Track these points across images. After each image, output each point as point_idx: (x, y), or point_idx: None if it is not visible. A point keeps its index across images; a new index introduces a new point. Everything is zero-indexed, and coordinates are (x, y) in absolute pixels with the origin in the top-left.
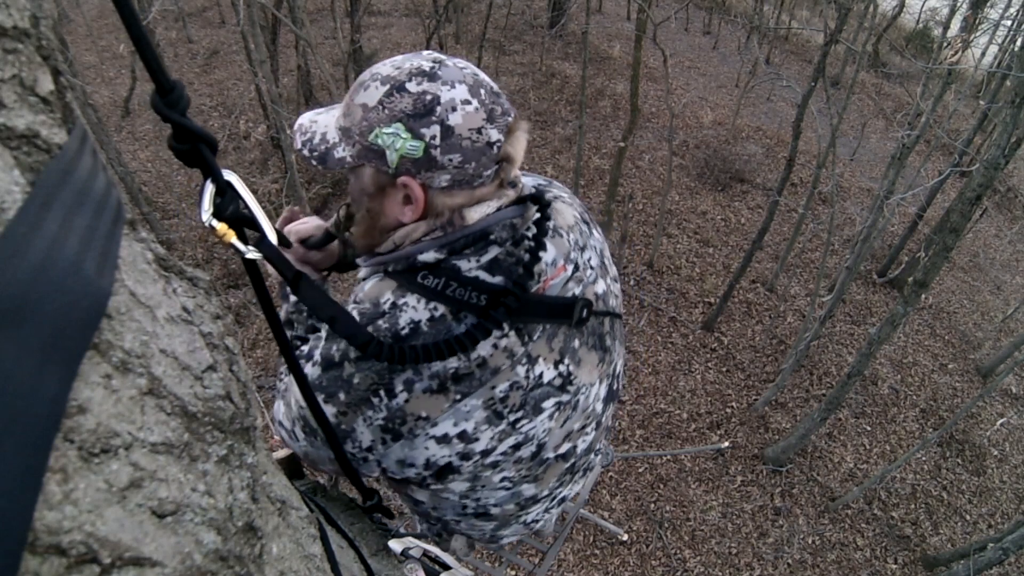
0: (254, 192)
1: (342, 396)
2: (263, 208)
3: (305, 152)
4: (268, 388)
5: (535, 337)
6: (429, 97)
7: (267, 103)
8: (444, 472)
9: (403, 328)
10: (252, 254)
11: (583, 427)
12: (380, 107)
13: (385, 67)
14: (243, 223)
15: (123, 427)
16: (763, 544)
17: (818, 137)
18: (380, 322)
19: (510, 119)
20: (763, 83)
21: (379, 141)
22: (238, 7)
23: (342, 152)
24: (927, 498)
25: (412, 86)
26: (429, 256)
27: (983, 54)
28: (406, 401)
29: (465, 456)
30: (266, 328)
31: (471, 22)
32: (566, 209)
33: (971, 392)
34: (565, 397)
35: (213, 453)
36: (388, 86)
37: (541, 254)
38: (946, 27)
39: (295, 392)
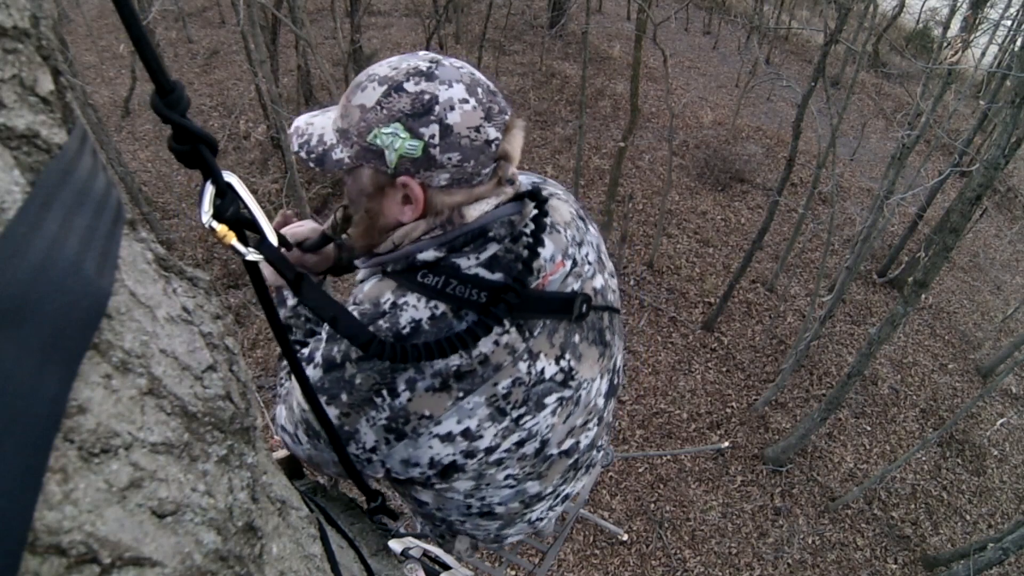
0: (254, 192)
1: (344, 397)
2: (263, 208)
3: (302, 154)
4: (268, 388)
5: (536, 333)
6: (427, 96)
7: (267, 103)
8: (449, 471)
9: (404, 327)
10: (252, 256)
11: (585, 423)
12: (378, 107)
13: (382, 68)
14: (243, 225)
15: (123, 427)
16: (763, 544)
17: (818, 137)
18: (381, 322)
19: (507, 117)
20: (763, 83)
21: (378, 141)
22: (238, 7)
23: (340, 153)
24: (927, 498)
25: (410, 86)
26: (429, 255)
27: (983, 54)
28: (409, 400)
29: (469, 454)
30: (266, 328)
31: (471, 22)
32: (562, 206)
33: (971, 392)
34: (567, 392)
35: (213, 453)
36: (386, 86)
37: (539, 250)
38: (946, 27)
39: (297, 396)
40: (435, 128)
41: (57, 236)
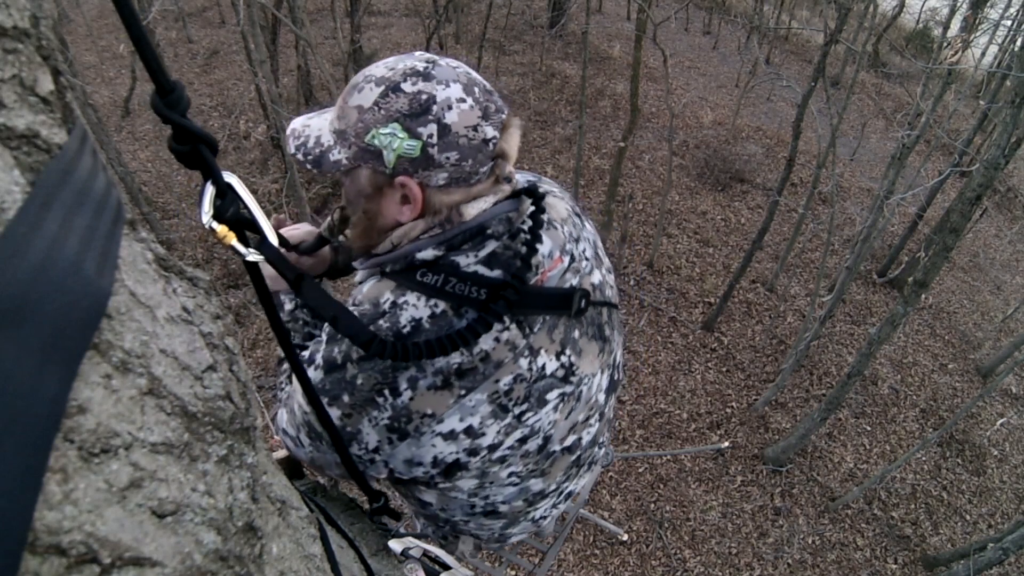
0: (254, 192)
1: (346, 398)
2: (263, 209)
3: (299, 156)
4: (268, 388)
5: (536, 329)
6: (425, 96)
7: (267, 103)
8: (452, 469)
9: (404, 326)
10: (252, 256)
11: (587, 418)
12: (376, 108)
13: (378, 69)
14: (243, 225)
15: (123, 427)
16: (763, 544)
17: (818, 137)
18: (381, 322)
19: (504, 116)
20: (763, 83)
21: (376, 142)
22: (238, 7)
23: (338, 154)
24: (927, 498)
25: (407, 86)
26: (428, 254)
27: (983, 54)
28: (411, 399)
29: (472, 452)
30: (266, 328)
31: (471, 22)
32: (558, 203)
33: (971, 392)
34: (568, 388)
35: (213, 453)
36: (383, 87)
37: (538, 246)
38: (946, 27)
39: (298, 398)
40: (433, 128)
41: (57, 236)
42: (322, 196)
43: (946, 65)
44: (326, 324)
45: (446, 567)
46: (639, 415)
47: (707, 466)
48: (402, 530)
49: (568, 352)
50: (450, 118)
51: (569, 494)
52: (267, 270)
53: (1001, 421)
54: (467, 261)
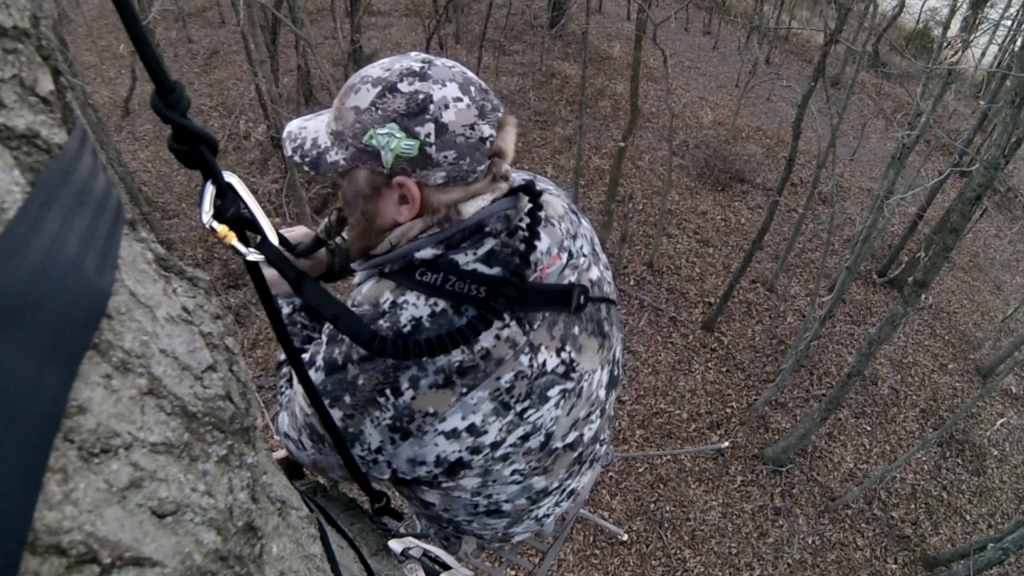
0: (254, 192)
1: (348, 399)
2: (263, 208)
3: (296, 158)
4: (268, 388)
5: (536, 326)
6: (422, 96)
7: (267, 103)
8: (455, 468)
9: (405, 326)
10: (253, 256)
11: (588, 415)
12: (373, 108)
13: (374, 70)
14: (244, 225)
15: (123, 427)
16: (763, 544)
17: (818, 137)
18: (381, 322)
19: (500, 114)
20: (763, 83)
21: (373, 142)
22: (238, 7)
23: (335, 156)
24: (927, 498)
25: (404, 86)
26: (427, 253)
27: (983, 54)
28: (412, 398)
29: (475, 450)
30: (266, 328)
31: (471, 22)
32: (555, 200)
33: (971, 392)
34: (569, 384)
35: (213, 453)
36: (380, 87)
37: (536, 243)
38: (946, 27)
39: (299, 401)
40: (430, 127)
41: (57, 236)
42: (322, 196)
43: (946, 65)
44: (326, 326)
45: (446, 567)
46: (639, 415)
47: (707, 466)
48: (402, 530)
49: (568, 348)
50: (447, 117)
51: (571, 492)
52: (267, 272)
53: (1001, 421)
54: (466, 259)
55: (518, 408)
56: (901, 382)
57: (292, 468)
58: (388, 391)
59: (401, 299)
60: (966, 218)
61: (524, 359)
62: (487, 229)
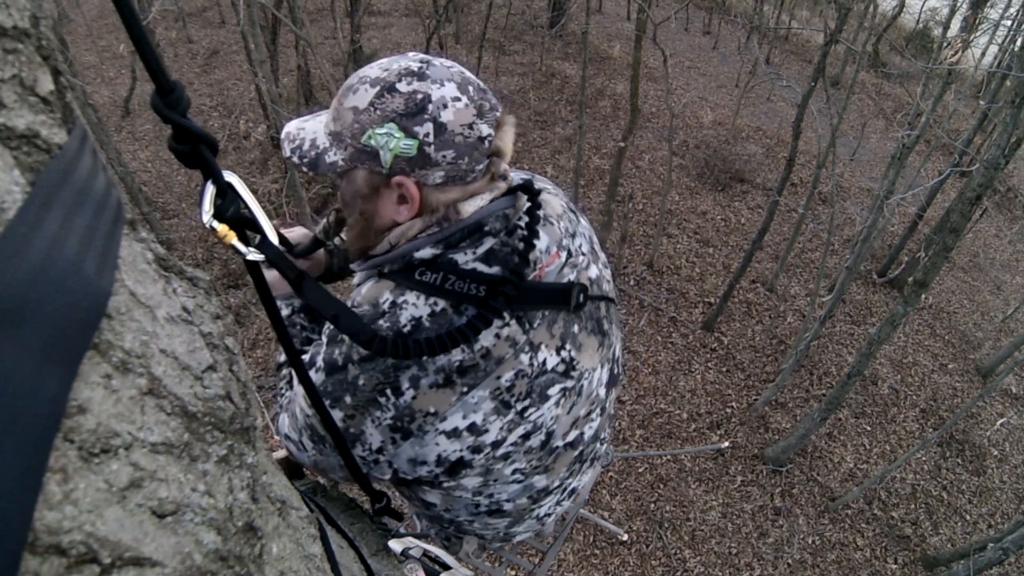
0: (254, 192)
1: (348, 399)
2: (263, 208)
3: (295, 159)
4: (268, 388)
5: (536, 324)
6: (420, 96)
7: (267, 103)
8: (456, 468)
9: (405, 326)
10: (253, 255)
11: (588, 413)
12: (371, 108)
13: (373, 70)
14: (244, 224)
15: (123, 427)
16: (763, 544)
17: (818, 137)
18: (381, 322)
19: (498, 114)
20: (763, 83)
21: (372, 142)
22: (238, 7)
23: (333, 156)
24: (927, 498)
25: (402, 86)
26: (426, 252)
27: (983, 54)
28: (413, 398)
29: (476, 449)
30: (266, 328)
31: (471, 22)
32: (553, 199)
33: (971, 392)
34: (569, 383)
35: (213, 453)
36: (378, 87)
37: (535, 242)
38: (946, 27)
39: (300, 402)
40: (429, 127)
41: (57, 236)
42: (322, 196)
43: (946, 65)
44: (325, 327)
45: (446, 567)
46: (639, 415)
47: (707, 466)
48: (402, 530)
49: (568, 347)
50: (446, 117)
51: (572, 490)
52: (267, 272)
53: (1001, 421)
54: (465, 258)
55: (519, 407)
56: (901, 382)
57: (292, 468)
58: (389, 391)
59: (401, 299)
60: (966, 218)
61: (524, 358)
62: (486, 228)
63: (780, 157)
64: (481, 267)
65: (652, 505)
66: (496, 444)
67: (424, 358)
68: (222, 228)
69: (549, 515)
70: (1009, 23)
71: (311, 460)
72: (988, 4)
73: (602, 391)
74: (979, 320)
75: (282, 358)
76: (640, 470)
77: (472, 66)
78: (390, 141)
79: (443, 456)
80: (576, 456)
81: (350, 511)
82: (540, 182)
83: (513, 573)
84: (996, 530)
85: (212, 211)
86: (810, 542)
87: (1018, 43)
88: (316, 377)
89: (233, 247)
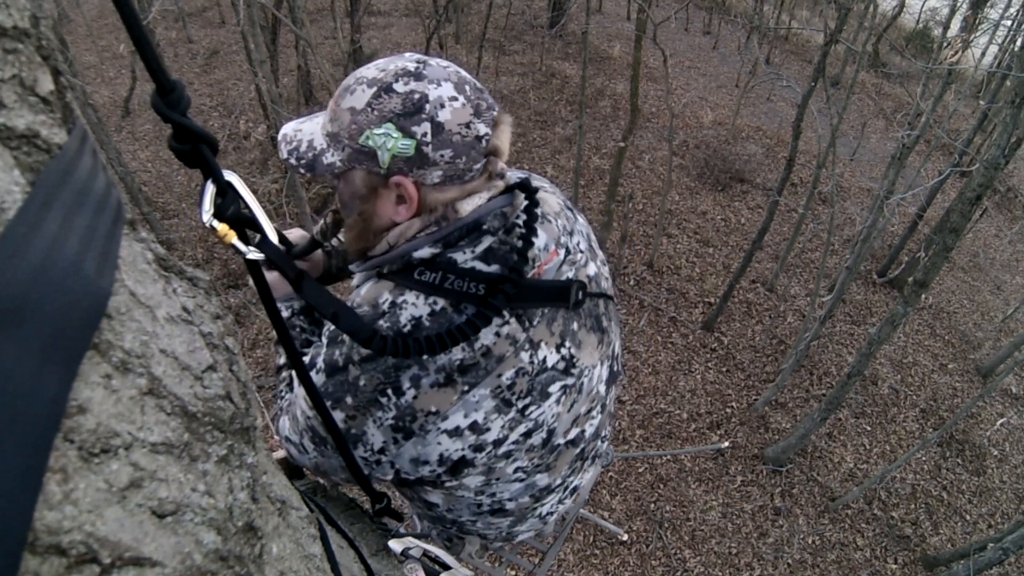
0: (254, 192)
1: (349, 400)
2: (263, 208)
3: (292, 161)
4: (268, 388)
5: (535, 322)
6: (417, 96)
7: (267, 103)
8: (458, 467)
9: (405, 325)
10: (253, 255)
11: (589, 411)
12: (369, 109)
13: (369, 71)
14: (244, 224)
15: (123, 427)
16: (763, 544)
17: (818, 137)
18: (381, 322)
19: (495, 113)
20: (763, 83)
21: (370, 142)
22: (238, 7)
23: (331, 157)
24: (927, 498)
25: (399, 86)
26: (425, 252)
27: (983, 54)
28: (414, 398)
29: (478, 448)
30: (266, 328)
31: (471, 22)
32: (550, 197)
33: (971, 392)
34: (569, 380)
35: (213, 453)
36: (375, 88)
37: (533, 240)
38: (946, 27)
39: (301, 404)
40: (427, 126)
41: (57, 236)
42: (322, 196)
43: (946, 65)
44: (325, 328)
45: (446, 567)
46: (639, 415)
47: (707, 466)
48: (402, 530)
49: (568, 344)
50: (443, 116)
51: (574, 489)
52: (267, 273)
53: (1001, 421)
54: (464, 257)
55: (520, 405)
56: (901, 382)
57: (292, 468)
58: (390, 391)
59: (400, 299)
60: (966, 218)
61: (524, 356)
62: (484, 227)
63: (780, 157)
64: (480, 265)
65: (652, 505)
66: (498, 442)
67: (425, 357)
68: (222, 227)
69: (551, 514)
70: (1009, 23)
71: (312, 462)
72: (988, 4)
73: (602, 388)
74: (979, 320)
75: (282, 360)
76: (640, 470)
77: (472, 66)
78: (388, 141)
79: (445, 455)
80: (577, 454)
81: (350, 511)
82: (537, 180)
83: (513, 573)
84: (996, 530)
85: (212, 210)
86: (810, 542)
87: (1018, 43)
88: (317, 378)
89: (233, 246)
